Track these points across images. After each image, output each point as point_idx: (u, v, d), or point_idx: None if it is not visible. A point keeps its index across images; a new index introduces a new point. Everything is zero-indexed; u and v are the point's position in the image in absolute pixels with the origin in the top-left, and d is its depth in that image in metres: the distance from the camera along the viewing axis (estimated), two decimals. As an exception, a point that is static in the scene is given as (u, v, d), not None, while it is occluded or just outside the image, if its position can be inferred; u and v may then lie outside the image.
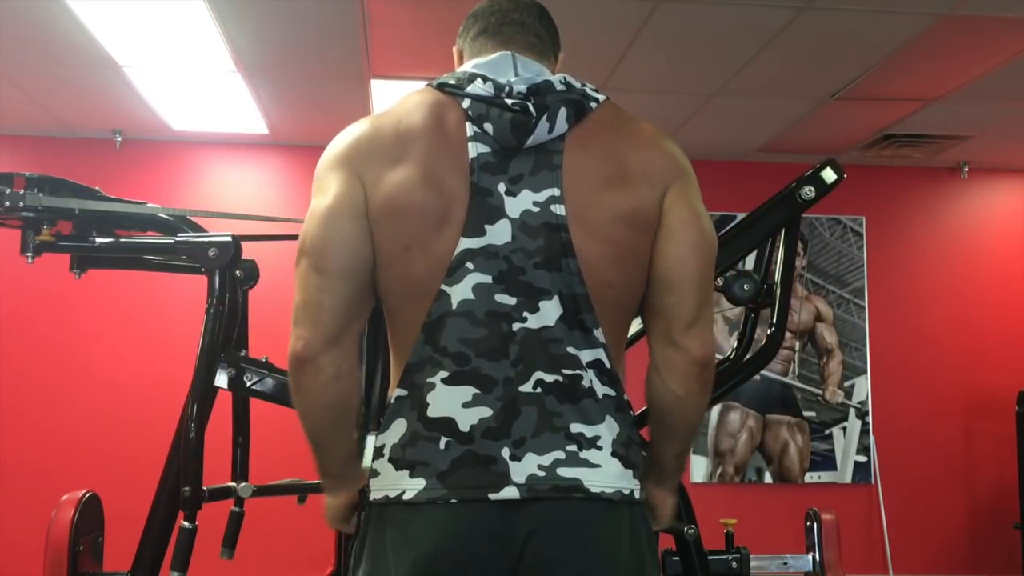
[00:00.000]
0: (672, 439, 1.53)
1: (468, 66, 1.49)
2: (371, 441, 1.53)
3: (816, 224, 5.61)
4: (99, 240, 2.44)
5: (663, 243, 1.44)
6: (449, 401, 1.37)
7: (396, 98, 1.52)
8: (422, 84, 1.50)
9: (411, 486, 1.36)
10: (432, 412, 1.37)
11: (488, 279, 1.38)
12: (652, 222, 1.43)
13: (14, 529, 4.75)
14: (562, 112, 1.41)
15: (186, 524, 2.29)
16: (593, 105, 1.44)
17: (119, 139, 5.21)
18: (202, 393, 2.38)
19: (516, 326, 1.38)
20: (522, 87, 1.43)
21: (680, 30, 3.74)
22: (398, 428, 1.39)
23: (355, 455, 1.53)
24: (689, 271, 1.44)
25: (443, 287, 1.38)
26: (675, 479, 1.59)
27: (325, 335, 1.38)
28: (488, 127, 1.40)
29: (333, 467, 1.50)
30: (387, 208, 1.39)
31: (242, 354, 2.53)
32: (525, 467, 1.35)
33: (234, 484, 2.60)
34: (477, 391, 1.37)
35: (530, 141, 1.40)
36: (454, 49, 1.60)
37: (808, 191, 2.43)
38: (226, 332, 2.43)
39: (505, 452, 1.35)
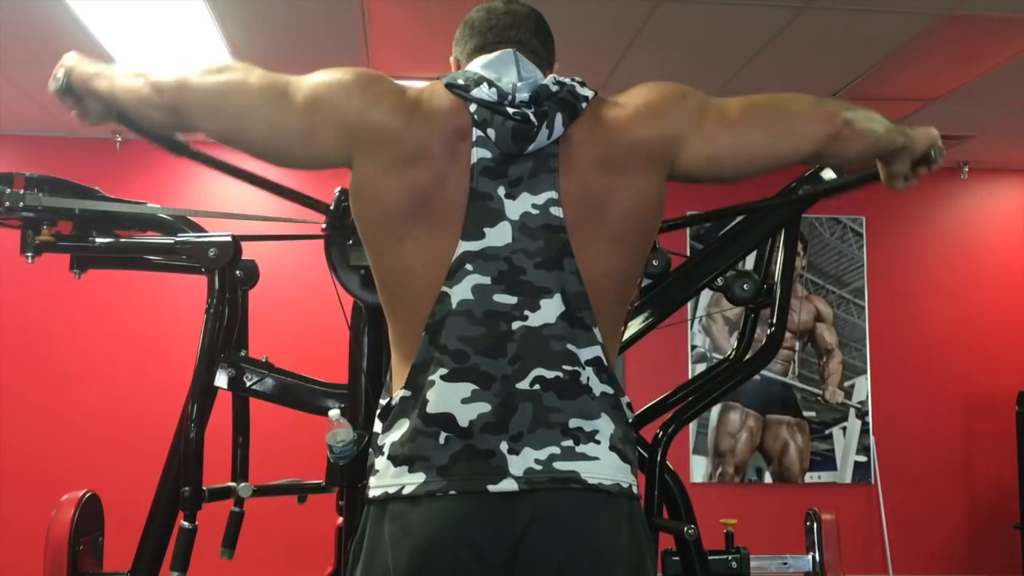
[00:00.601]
0: (886, 146, 1.61)
1: (476, 65, 1.51)
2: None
3: (816, 224, 5.61)
4: (99, 240, 2.44)
5: (721, 173, 1.52)
6: (448, 397, 1.38)
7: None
8: (421, 84, 1.50)
9: (411, 480, 1.37)
10: (432, 408, 1.38)
11: (487, 280, 1.40)
12: (650, 213, 1.48)
13: (14, 529, 4.75)
14: (558, 117, 1.42)
15: (186, 524, 2.29)
16: (583, 105, 1.46)
17: (119, 139, 5.21)
18: (202, 393, 2.38)
19: (516, 324, 1.40)
20: (525, 95, 1.44)
21: (680, 30, 3.74)
22: (400, 427, 1.41)
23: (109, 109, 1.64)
24: (751, 156, 1.51)
25: (444, 289, 1.40)
26: (908, 134, 1.64)
27: (199, 125, 1.50)
28: (491, 132, 1.42)
29: (107, 98, 1.62)
30: (374, 198, 1.43)
31: (242, 354, 2.53)
32: (523, 461, 1.36)
33: (234, 484, 2.60)
34: (476, 387, 1.38)
35: (530, 148, 1.42)
36: (451, 59, 1.62)
37: (812, 201, 2.43)
38: (226, 332, 2.43)
39: (503, 446, 1.36)
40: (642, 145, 1.46)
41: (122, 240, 2.48)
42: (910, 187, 1.67)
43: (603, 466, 1.39)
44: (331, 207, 2.18)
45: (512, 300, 1.40)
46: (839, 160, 1.63)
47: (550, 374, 1.39)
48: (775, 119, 1.52)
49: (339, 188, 2.15)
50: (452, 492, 1.35)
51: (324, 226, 2.20)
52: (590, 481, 1.37)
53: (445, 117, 1.43)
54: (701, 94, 1.53)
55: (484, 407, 1.37)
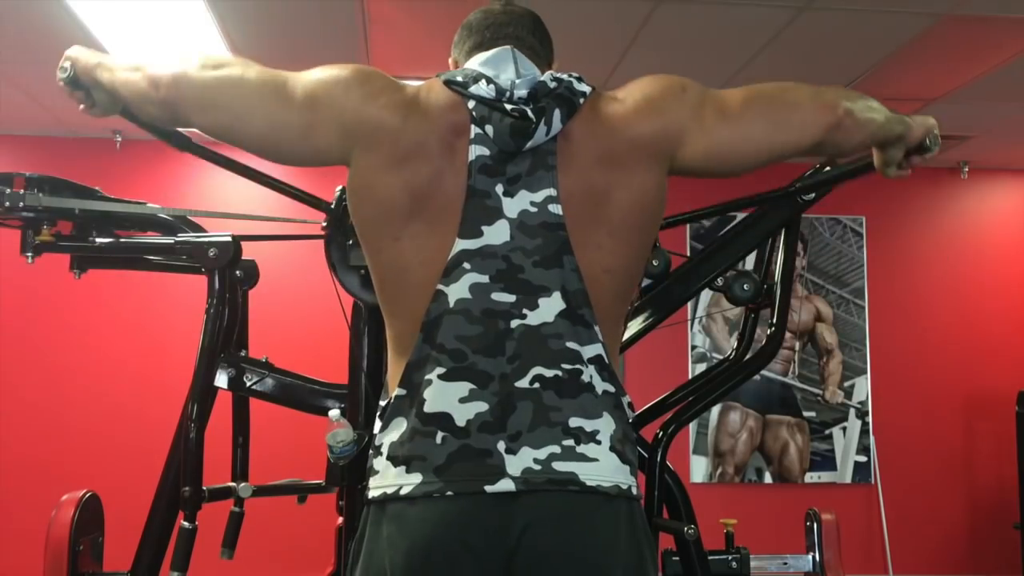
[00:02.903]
0: (885, 133, 1.59)
1: (474, 62, 1.51)
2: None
3: (816, 224, 5.61)
4: (99, 240, 2.44)
5: (722, 166, 1.52)
6: (446, 396, 1.38)
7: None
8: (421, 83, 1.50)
9: (408, 481, 1.36)
10: (429, 407, 1.38)
11: (485, 278, 1.40)
12: (650, 209, 1.47)
13: (14, 529, 4.75)
14: (556, 113, 1.42)
15: (186, 524, 2.29)
16: (581, 101, 1.46)
17: (119, 139, 5.21)
18: (202, 393, 2.38)
19: (514, 323, 1.39)
20: (523, 92, 1.44)
21: (680, 30, 3.74)
22: (397, 426, 1.40)
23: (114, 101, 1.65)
24: (753, 148, 1.51)
25: (440, 287, 1.40)
26: (906, 121, 1.61)
27: (195, 121, 1.49)
28: (489, 129, 1.42)
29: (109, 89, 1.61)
30: (373, 195, 1.42)
31: (242, 354, 2.53)
32: (521, 460, 1.35)
33: (234, 484, 2.59)
34: (473, 386, 1.37)
35: (528, 145, 1.42)
36: (450, 61, 1.62)
37: (808, 191, 2.43)
38: (226, 332, 2.43)
39: (500, 446, 1.36)
40: (642, 140, 1.46)
41: (122, 240, 2.48)
42: (902, 176, 1.66)
43: (602, 467, 1.38)
44: (332, 205, 2.18)
45: (510, 298, 1.40)
46: (838, 150, 1.61)
47: (550, 372, 1.38)
48: (775, 110, 1.52)
49: (340, 187, 2.14)
50: (449, 493, 1.34)
51: (324, 225, 2.19)
52: (589, 483, 1.36)
53: (443, 114, 1.43)
54: (700, 86, 1.54)
55: (482, 406, 1.37)
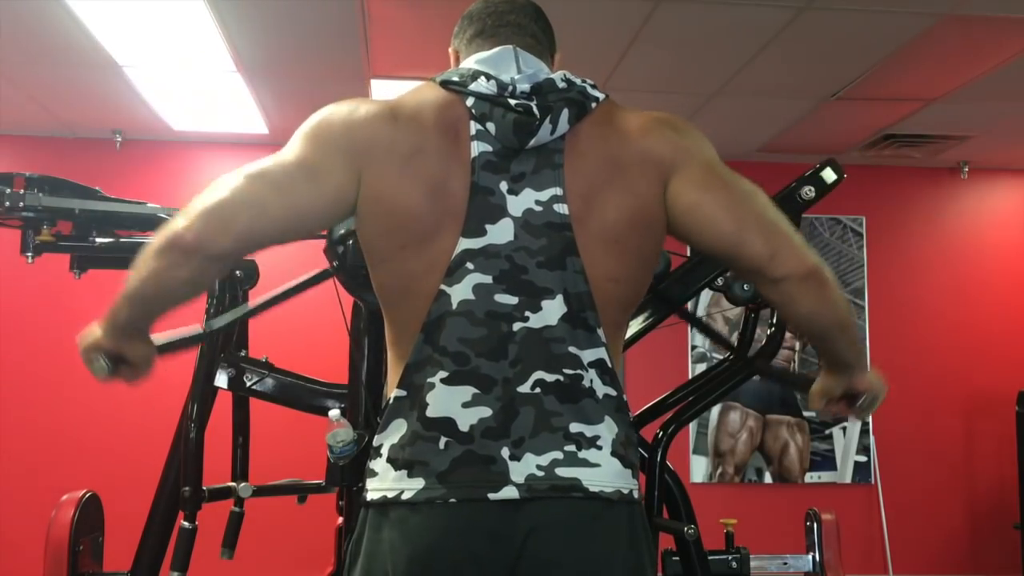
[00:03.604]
0: (837, 340, 1.50)
1: (471, 62, 1.49)
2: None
3: (816, 224, 5.61)
4: (99, 240, 2.45)
5: (695, 220, 1.43)
6: (449, 401, 1.36)
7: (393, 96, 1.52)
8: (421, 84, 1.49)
9: (410, 486, 1.35)
10: (432, 412, 1.36)
11: (488, 279, 1.38)
12: (654, 221, 1.43)
13: (14, 529, 4.75)
14: (564, 113, 1.40)
15: (186, 524, 2.29)
16: (593, 105, 1.44)
17: (119, 139, 5.21)
18: (202, 393, 2.39)
19: (517, 326, 1.38)
20: (525, 86, 1.42)
21: (680, 30, 3.74)
22: (397, 428, 1.39)
23: (145, 328, 1.50)
24: (734, 223, 1.41)
25: (443, 287, 1.37)
26: (863, 362, 1.56)
27: (220, 246, 1.35)
28: (491, 126, 1.40)
29: (130, 320, 1.48)
30: (384, 206, 1.38)
31: (242, 354, 2.53)
32: (524, 467, 1.34)
33: (234, 484, 2.60)
34: (477, 391, 1.36)
35: (532, 142, 1.40)
36: (450, 50, 1.60)
37: (808, 191, 2.44)
38: (226, 332, 2.43)
39: (504, 452, 1.34)
40: (651, 154, 1.43)
41: (122, 240, 2.48)
42: (824, 415, 1.60)
43: (604, 472, 1.37)
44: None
45: (513, 300, 1.38)
46: (788, 307, 1.46)
47: (551, 377, 1.37)
48: (765, 223, 1.43)
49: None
50: (452, 500, 1.33)
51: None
52: (592, 489, 1.36)
53: (437, 112, 1.41)
54: (716, 155, 1.48)
55: (485, 411, 1.35)
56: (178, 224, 1.37)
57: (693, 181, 1.43)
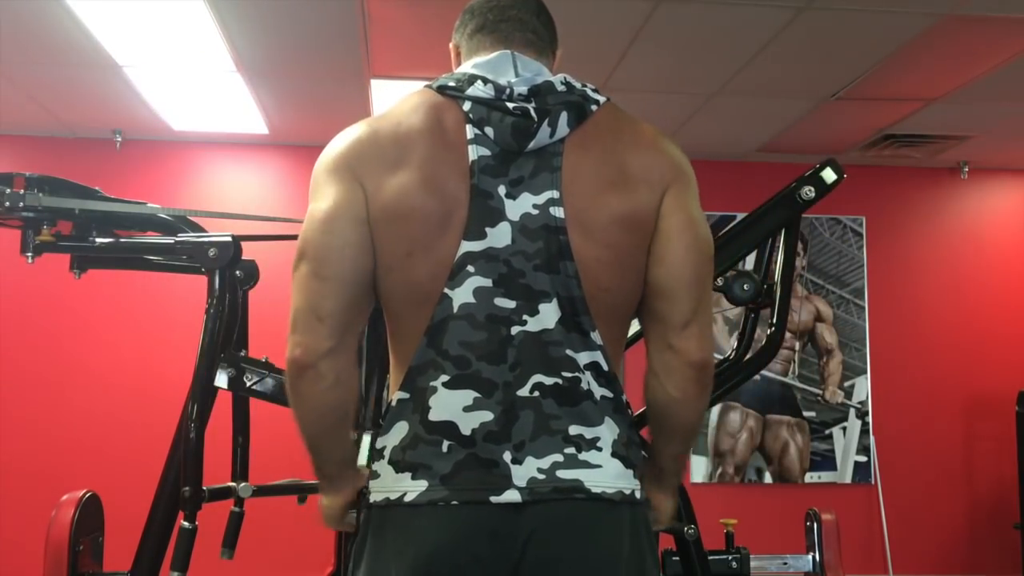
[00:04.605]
0: (671, 440, 1.53)
1: (467, 66, 1.48)
2: (366, 441, 1.53)
3: (816, 224, 5.61)
4: (99, 240, 2.44)
5: (659, 248, 1.43)
6: (450, 405, 1.36)
7: (396, 98, 1.51)
8: (422, 84, 1.49)
9: (413, 488, 1.35)
10: (434, 416, 1.36)
11: (488, 282, 1.38)
12: (649, 226, 1.43)
13: (14, 529, 4.75)
14: (563, 116, 1.40)
15: (186, 524, 2.29)
16: (594, 108, 1.44)
17: (119, 139, 5.21)
18: (202, 393, 2.38)
19: (515, 329, 1.38)
20: (523, 89, 1.42)
21: (680, 30, 3.74)
22: (399, 431, 1.39)
23: (352, 456, 1.53)
24: (684, 275, 1.43)
25: (445, 291, 1.37)
26: (675, 480, 1.59)
27: (325, 341, 1.38)
28: (489, 130, 1.39)
29: (330, 469, 1.49)
30: (389, 213, 1.38)
31: (242, 354, 2.53)
32: (526, 470, 1.35)
33: (234, 484, 2.60)
34: (478, 395, 1.36)
35: (531, 145, 1.39)
36: (451, 45, 1.59)
37: (808, 191, 2.44)
38: (226, 332, 2.43)
39: (507, 456, 1.35)
40: (651, 164, 1.44)
41: (122, 240, 2.48)
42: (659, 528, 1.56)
43: (606, 473, 1.38)
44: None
45: (511, 304, 1.38)
46: (660, 376, 1.47)
47: (549, 380, 1.37)
48: (702, 295, 1.44)
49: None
50: (455, 502, 1.33)
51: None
52: (594, 490, 1.36)
53: (433, 117, 1.41)
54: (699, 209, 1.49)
55: (486, 416, 1.36)
56: (288, 355, 1.41)
57: (680, 208, 1.44)
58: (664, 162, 1.45)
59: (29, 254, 2.37)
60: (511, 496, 1.33)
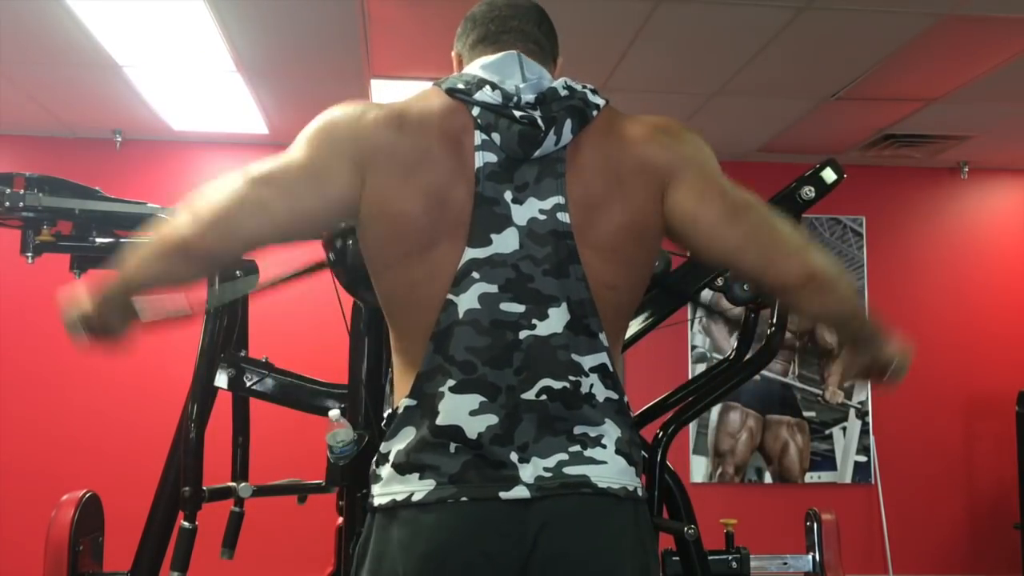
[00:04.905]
0: (848, 325, 1.50)
1: (475, 67, 1.49)
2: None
3: (816, 224, 5.61)
4: (99, 240, 2.44)
5: (691, 237, 1.47)
6: (456, 409, 1.37)
7: (396, 98, 1.51)
8: (421, 84, 1.49)
9: (420, 487, 1.36)
10: (441, 420, 1.37)
11: (494, 288, 1.38)
12: (650, 231, 1.45)
13: (14, 529, 4.75)
14: (567, 124, 1.41)
15: (186, 524, 2.29)
16: (594, 113, 1.45)
17: (119, 139, 5.21)
18: (202, 393, 2.39)
19: (523, 334, 1.38)
20: (530, 96, 1.43)
21: (680, 30, 3.74)
22: (406, 435, 1.39)
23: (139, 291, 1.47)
24: (723, 242, 1.45)
25: (450, 297, 1.38)
26: (879, 334, 1.50)
27: (235, 248, 1.42)
28: (496, 137, 1.40)
29: (127, 299, 1.44)
30: (387, 213, 1.39)
31: (242, 354, 2.53)
32: (533, 468, 1.36)
33: (234, 484, 2.60)
34: (483, 399, 1.37)
35: (537, 153, 1.40)
36: (453, 54, 1.59)
37: (808, 191, 2.44)
38: (226, 332, 2.43)
39: (513, 456, 1.36)
40: (649, 163, 1.44)
41: (122, 240, 2.48)
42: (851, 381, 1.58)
43: (610, 469, 1.39)
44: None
45: (520, 309, 1.39)
46: (794, 308, 1.52)
47: (557, 384, 1.38)
48: (764, 233, 1.45)
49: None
50: (464, 499, 1.34)
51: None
52: (600, 485, 1.37)
53: (442, 120, 1.41)
54: (715, 162, 1.50)
55: (492, 419, 1.36)
56: (184, 228, 1.39)
57: (691, 190, 1.45)
58: (662, 158, 1.45)
59: (29, 254, 2.38)
60: (520, 492, 1.35)
